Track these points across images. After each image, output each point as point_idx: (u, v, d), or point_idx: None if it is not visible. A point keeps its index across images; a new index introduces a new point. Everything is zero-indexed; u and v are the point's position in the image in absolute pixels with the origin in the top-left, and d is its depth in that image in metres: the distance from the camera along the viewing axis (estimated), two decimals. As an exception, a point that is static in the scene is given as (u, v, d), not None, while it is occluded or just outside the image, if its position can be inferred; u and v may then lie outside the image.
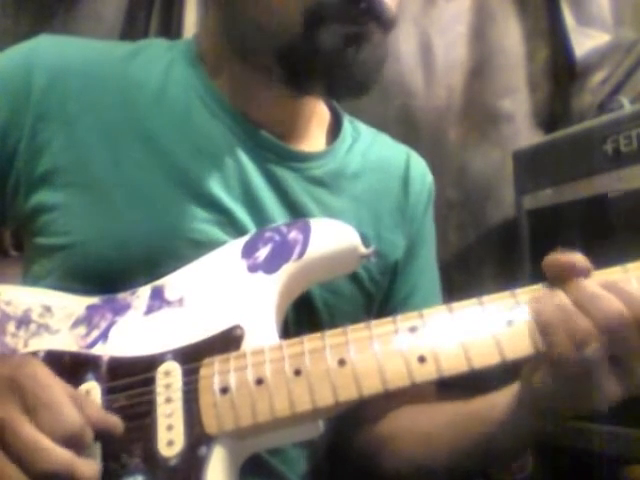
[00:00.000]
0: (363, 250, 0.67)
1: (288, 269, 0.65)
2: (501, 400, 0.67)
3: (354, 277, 0.78)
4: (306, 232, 0.66)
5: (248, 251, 0.66)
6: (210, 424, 0.56)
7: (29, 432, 0.51)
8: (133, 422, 0.57)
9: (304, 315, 0.73)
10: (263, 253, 0.66)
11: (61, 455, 0.51)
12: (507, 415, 0.65)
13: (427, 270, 0.89)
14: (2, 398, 0.52)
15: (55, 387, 0.54)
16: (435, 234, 0.92)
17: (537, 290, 0.59)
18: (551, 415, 0.61)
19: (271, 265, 0.65)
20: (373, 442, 0.81)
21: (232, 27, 0.74)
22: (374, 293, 0.81)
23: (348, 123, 0.87)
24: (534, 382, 0.59)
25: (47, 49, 0.74)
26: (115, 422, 0.56)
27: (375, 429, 0.82)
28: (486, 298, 0.59)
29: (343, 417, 0.79)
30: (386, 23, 0.71)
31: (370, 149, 0.86)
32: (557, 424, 0.63)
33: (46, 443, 0.51)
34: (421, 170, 0.90)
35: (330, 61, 0.69)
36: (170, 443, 0.56)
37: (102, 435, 0.55)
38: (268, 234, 0.67)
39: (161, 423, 0.57)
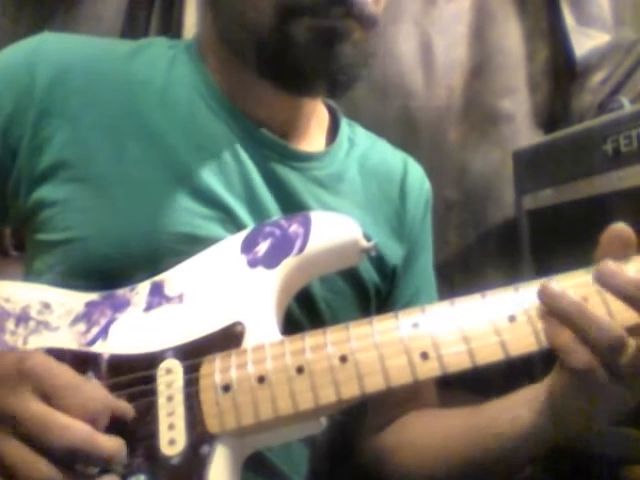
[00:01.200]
0: (364, 243, 0.67)
1: (289, 263, 0.64)
2: (517, 408, 0.67)
3: (355, 278, 0.78)
4: (307, 226, 0.66)
5: (248, 246, 0.66)
6: (212, 423, 0.56)
7: (43, 411, 0.51)
8: (135, 421, 0.56)
9: (308, 316, 0.73)
10: (263, 247, 0.65)
11: (80, 429, 0.51)
12: (525, 423, 0.65)
13: (426, 277, 0.89)
14: (13, 388, 0.52)
15: (68, 371, 0.54)
16: (435, 234, 0.92)
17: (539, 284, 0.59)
18: (574, 423, 0.61)
19: (271, 260, 0.64)
20: (378, 452, 0.82)
21: (220, 23, 0.75)
22: (372, 296, 0.81)
23: (346, 125, 0.87)
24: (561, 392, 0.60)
25: (50, 46, 0.74)
26: (126, 406, 0.56)
27: (380, 439, 0.82)
28: (489, 293, 0.58)
29: (347, 425, 0.80)
30: (366, 20, 0.69)
31: (368, 155, 0.85)
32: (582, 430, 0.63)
33: (63, 419, 0.51)
34: (419, 176, 0.89)
35: (304, 57, 0.69)
36: (172, 442, 0.56)
37: (115, 419, 0.55)
38: (268, 228, 0.67)
39: (163, 422, 0.56)
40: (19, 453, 0.51)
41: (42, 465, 0.50)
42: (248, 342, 0.60)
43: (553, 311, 0.56)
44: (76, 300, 0.65)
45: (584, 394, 0.58)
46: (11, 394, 0.52)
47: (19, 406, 0.52)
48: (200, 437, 0.56)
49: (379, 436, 0.82)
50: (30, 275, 0.72)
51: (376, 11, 0.71)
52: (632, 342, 0.54)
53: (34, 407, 0.52)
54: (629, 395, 0.57)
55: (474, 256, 1.37)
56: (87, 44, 0.77)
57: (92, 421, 0.52)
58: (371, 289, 0.80)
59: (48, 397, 0.52)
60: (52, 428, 0.51)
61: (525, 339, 0.56)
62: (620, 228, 0.58)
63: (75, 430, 0.51)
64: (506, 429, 0.67)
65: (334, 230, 0.67)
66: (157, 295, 0.64)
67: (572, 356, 0.54)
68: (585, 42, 1.38)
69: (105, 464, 0.52)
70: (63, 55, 0.73)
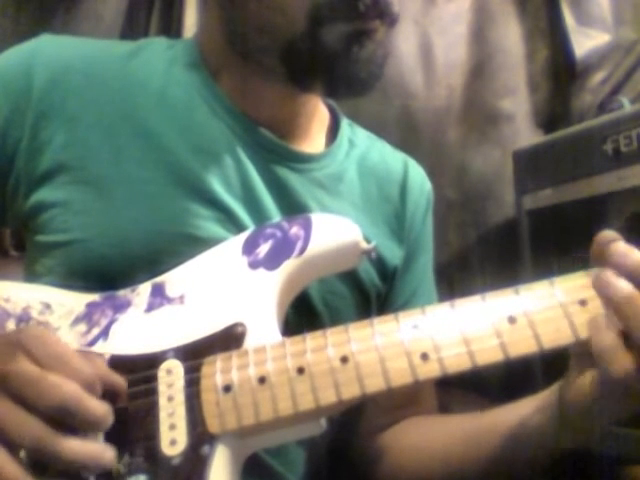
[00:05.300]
0: (364, 245, 0.67)
1: (290, 265, 0.65)
2: (526, 413, 0.67)
3: (354, 279, 0.78)
4: (307, 228, 0.66)
5: (249, 247, 0.66)
6: (212, 423, 0.56)
7: (34, 370, 0.52)
8: (135, 421, 0.57)
9: (305, 318, 0.73)
10: (264, 249, 0.65)
11: (71, 388, 0.52)
12: (534, 426, 0.65)
13: (425, 278, 0.89)
14: (8, 354, 0.53)
15: (62, 343, 0.55)
16: (435, 234, 0.92)
17: (540, 286, 0.59)
18: (586, 426, 0.61)
19: (272, 261, 0.65)
20: (377, 453, 0.82)
21: (233, 27, 0.74)
22: (373, 298, 0.81)
23: (347, 126, 0.87)
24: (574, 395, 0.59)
25: (48, 48, 0.74)
26: (120, 380, 0.57)
27: (379, 441, 0.82)
28: (489, 295, 0.59)
29: (346, 426, 0.80)
30: (390, 19, 0.71)
31: (368, 155, 0.85)
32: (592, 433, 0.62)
33: (54, 378, 0.52)
34: (419, 177, 0.89)
35: (334, 60, 0.69)
36: (173, 442, 0.56)
37: (108, 393, 0.55)
38: (269, 230, 0.67)
39: (163, 422, 0.57)
40: (10, 412, 0.51)
41: (32, 423, 0.51)
42: (249, 343, 0.60)
43: (605, 300, 0.54)
44: (77, 301, 0.65)
45: (605, 399, 0.57)
46: (6, 358, 0.53)
47: (11, 367, 0.52)
48: (201, 437, 0.56)
49: (378, 438, 0.82)
50: (30, 277, 0.73)
51: (398, 9, 0.72)
52: None
53: (26, 367, 0.52)
54: None
55: (474, 256, 1.37)
56: (85, 45, 0.77)
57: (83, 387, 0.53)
58: (371, 290, 0.80)
59: (41, 363, 0.53)
60: (43, 385, 0.51)
61: (525, 341, 0.56)
62: (607, 235, 0.58)
63: (66, 388, 0.52)
64: (513, 431, 0.67)
65: (335, 232, 0.67)
66: (158, 296, 0.64)
67: (614, 365, 0.53)
68: (585, 42, 1.38)
69: (90, 427, 0.53)
70: (61, 57, 0.73)
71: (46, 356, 0.53)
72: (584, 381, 0.59)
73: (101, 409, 0.53)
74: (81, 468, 0.52)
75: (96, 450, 0.53)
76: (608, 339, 0.53)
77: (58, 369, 0.53)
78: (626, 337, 0.53)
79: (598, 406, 0.58)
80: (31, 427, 0.51)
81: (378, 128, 0.93)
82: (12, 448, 0.51)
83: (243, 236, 0.67)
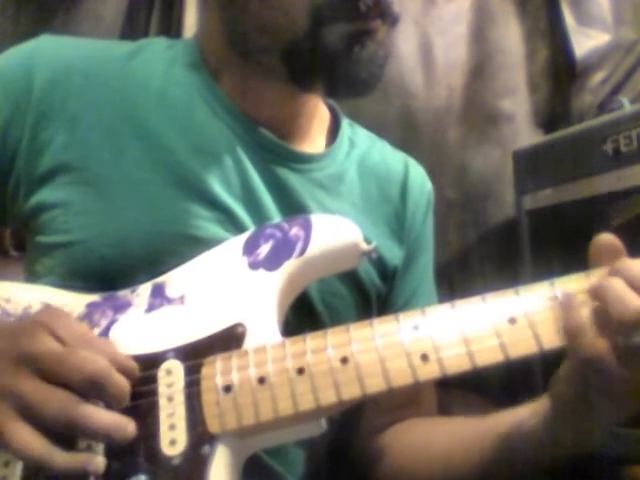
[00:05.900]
0: (364, 246, 0.67)
1: (290, 266, 0.65)
2: (522, 416, 0.67)
3: (354, 280, 0.78)
4: (308, 228, 0.66)
5: (249, 248, 0.66)
6: (213, 423, 0.56)
7: (60, 347, 0.54)
8: (135, 421, 0.56)
9: (305, 318, 0.73)
10: (264, 250, 0.66)
11: (100, 361, 0.54)
12: (530, 430, 0.65)
13: (425, 278, 0.89)
14: (31, 334, 0.55)
15: (82, 324, 0.59)
16: (435, 234, 0.92)
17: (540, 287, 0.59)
18: (585, 428, 0.61)
19: (273, 262, 0.65)
20: (377, 453, 0.82)
21: (234, 26, 0.74)
22: (373, 298, 0.81)
23: (347, 126, 0.87)
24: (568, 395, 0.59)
25: (48, 49, 0.74)
26: (133, 363, 0.58)
27: (379, 441, 0.82)
28: (489, 296, 0.59)
29: (346, 425, 0.80)
30: (391, 19, 0.71)
31: (368, 155, 0.86)
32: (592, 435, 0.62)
33: (83, 352, 0.54)
34: (420, 178, 0.89)
35: (335, 60, 0.69)
36: (173, 442, 0.56)
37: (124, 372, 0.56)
38: (269, 231, 0.67)
39: (163, 422, 0.57)
40: (39, 389, 0.53)
41: (61, 395, 0.53)
42: (249, 343, 0.60)
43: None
44: (77, 301, 0.65)
45: (589, 393, 0.57)
46: (29, 338, 0.54)
47: (38, 346, 0.54)
48: (201, 437, 0.56)
49: (378, 438, 0.82)
50: (31, 277, 0.73)
51: (399, 9, 0.72)
52: None
53: (53, 345, 0.54)
54: (629, 387, 0.56)
55: (474, 256, 1.37)
56: (85, 46, 0.77)
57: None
58: (371, 290, 0.80)
59: (65, 341, 0.55)
60: (74, 359, 0.53)
61: (525, 342, 0.56)
62: (605, 239, 0.58)
63: (97, 362, 0.54)
64: (511, 433, 0.67)
65: (335, 233, 0.67)
66: (158, 296, 0.64)
67: (583, 340, 0.54)
68: (585, 42, 1.38)
69: (116, 401, 0.54)
70: (61, 57, 0.74)
71: (70, 334, 0.55)
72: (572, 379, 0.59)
73: (126, 384, 0.55)
74: (106, 437, 0.54)
75: (121, 420, 0.54)
76: (579, 317, 0.55)
77: (83, 346, 0.55)
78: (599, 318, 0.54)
79: (579, 392, 0.58)
80: (60, 399, 0.52)
81: (378, 128, 0.93)
82: (39, 424, 0.52)
83: (244, 237, 0.67)
